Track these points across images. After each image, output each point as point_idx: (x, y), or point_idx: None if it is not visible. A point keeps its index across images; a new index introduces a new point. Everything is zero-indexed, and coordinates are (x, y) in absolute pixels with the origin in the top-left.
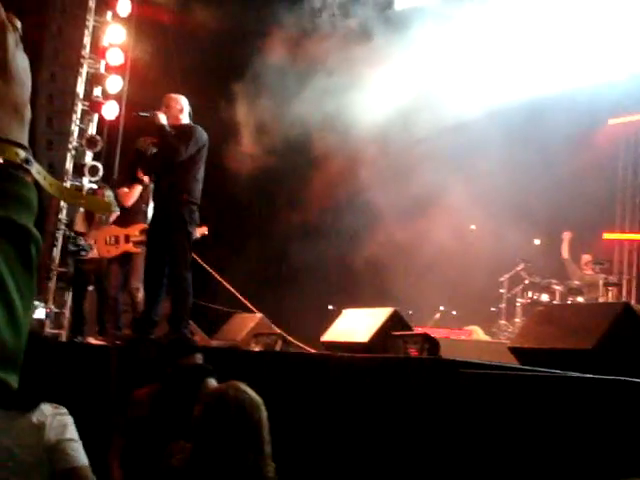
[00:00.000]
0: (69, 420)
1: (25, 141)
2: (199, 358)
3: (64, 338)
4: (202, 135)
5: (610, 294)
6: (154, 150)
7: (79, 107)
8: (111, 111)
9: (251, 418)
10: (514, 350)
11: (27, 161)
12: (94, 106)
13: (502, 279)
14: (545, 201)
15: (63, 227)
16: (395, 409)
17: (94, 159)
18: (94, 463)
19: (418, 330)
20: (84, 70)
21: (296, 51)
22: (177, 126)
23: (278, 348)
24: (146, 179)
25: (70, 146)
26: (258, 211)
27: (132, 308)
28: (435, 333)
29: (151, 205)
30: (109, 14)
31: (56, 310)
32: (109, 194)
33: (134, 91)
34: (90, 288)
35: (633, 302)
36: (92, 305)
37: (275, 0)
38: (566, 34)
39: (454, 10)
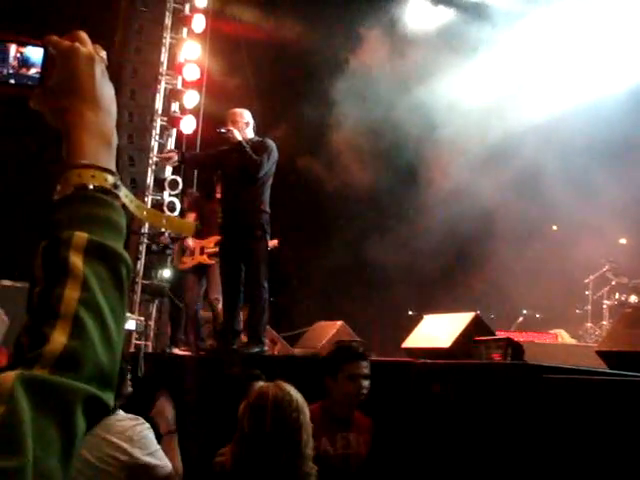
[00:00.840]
0: (148, 430)
1: (113, 166)
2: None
3: (150, 349)
4: (275, 147)
5: None
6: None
7: (158, 123)
8: (189, 125)
9: (288, 417)
10: (602, 354)
11: (116, 186)
12: (172, 121)
13: (587, 280)
14: (631, 198)
15: (146, 240)
16: (479, 416)
17: (173, 173)
18: None
19: (501, 334)
20: (162, 86)
21: (374, 62)
22: (249, 140)
23: None
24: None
25: (150, 161)
26: (336, 218)
27: (213, 318)
28: (519, 337)
29: None
30: (185, 31)
31: (142, 321)
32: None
33: (210, 105)
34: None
35: None
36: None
37: (352, 11)
38: None
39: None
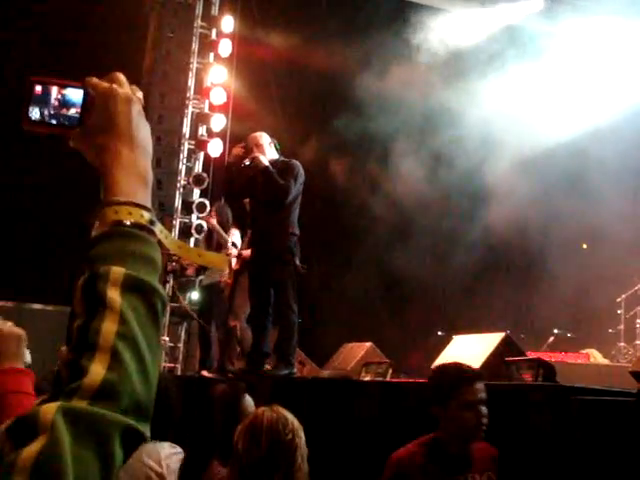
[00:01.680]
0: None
1: (149, 203)
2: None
3: (179, 372)
4: (301, 169)
5: None
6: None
7: (185, 146)
8: (216, 149)
9: (282, 440)
10: (636, 374)
11: (152, 222)
12: (200, 144)
13: (619, 299)
14: None
15: (174, 263)
16: (510, 439)
17: (201, 196)
18: None
19: (532, 355)
20: (189, 110)
21: (399, 83)
22: (275, 164)
23: (388, 377)
24: None
25: (178, 184)
26: (366, 238)
27: (236, 342)
28: (550, 357)
29: None
30: (211, 55)
31: (171, 344)
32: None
33: (237, 128)
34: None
35: None
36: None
37: (377, 33)
38: None
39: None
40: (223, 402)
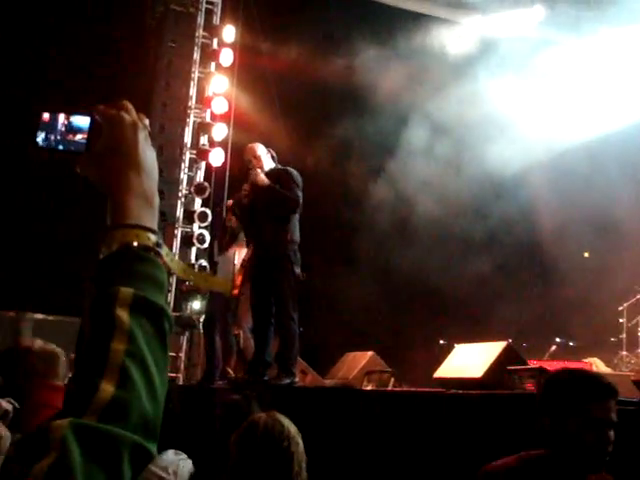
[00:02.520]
0: (191, 467)
1: (155, 226)
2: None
3: (181, 381)
4: (298, 176)
5: None
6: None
7: (187, 156)
8: (217, 158)
9: (279, 447)
10: (639, 383)
11: (158, 244)
12: (201, 154)
13: (621, 308)
14: None
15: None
16: (512, 447)
17: (203, 205)
18: None
19: (534, 364)
20: (191, 120)
21: (401, 91)
22: (271, 174)
23: (390, 386)
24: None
25: (180, 194)
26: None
27: (238, 350)
28: (552, 366)
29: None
30: (213, 65)
31: (172, 354)
32: None
33: (239, 137)
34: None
35: None
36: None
37: (378, 43)
38: None
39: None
40: (235, 411)
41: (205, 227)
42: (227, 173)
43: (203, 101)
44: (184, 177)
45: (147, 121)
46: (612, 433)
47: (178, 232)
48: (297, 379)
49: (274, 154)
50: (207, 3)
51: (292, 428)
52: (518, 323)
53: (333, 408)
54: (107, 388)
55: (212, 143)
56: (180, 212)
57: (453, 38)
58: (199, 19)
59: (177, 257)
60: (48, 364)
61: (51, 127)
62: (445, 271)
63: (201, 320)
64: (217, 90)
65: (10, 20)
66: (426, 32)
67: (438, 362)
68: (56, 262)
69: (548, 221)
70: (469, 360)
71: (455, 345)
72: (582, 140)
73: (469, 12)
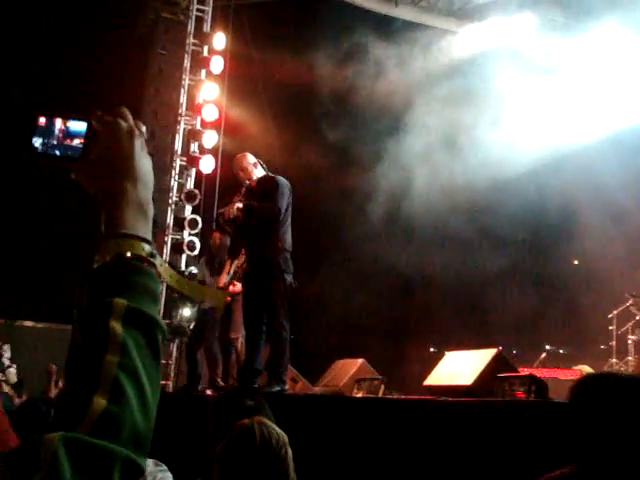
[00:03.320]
0: (171, 478)
1: (149, 236)
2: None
3: (170, 389)
4: (285, 184)
5: None
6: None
7: (177, 163)
8: (208, 165)
9: (277, 454)
10: None
11: (152, 255)
12: (191, 161)
13: (611, 315)
14: None
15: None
16: (501, 455)
17: (193, 212)
18: None
19: (524, 371)
20: (181, 127)
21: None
22: (260, 182)
23: (381, 393)
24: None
25: (170, 201)
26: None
27: (232, 357)
28: (542, 374)
29: None
30: (203, 72)
31: (162, 361)
32: None
33: (229, 144)
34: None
35: None
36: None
37: (370, 51)
38: None
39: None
40: (229, 419)
41: (195, 234)
42: (217, 180)
43: (193, 108)
44: (174, 184)
45: (144, 128)
46: None
47: (168, 239)
48: (287, 387)
49: (262, 163)
50: (197, 11)
51: (284, 434)
52: (509, 331)
53: (323, 416)
54: (99, 401)
55: (202, 150)
56: (170, 219)
57: (446, 45)
58: (189, 27)
59: (167, 264)
60: None
61: (48, 132)
62: (436, 279)
63: (191, 327)
64: (207, 97)
65: (1, 28)
66: (418, 40)
67: (428, 369)
68: (47, 270)
69: (540, 228)
70: (459, 367)
71: (445, 352)
72: (577, 145)
73: (462, 21)
